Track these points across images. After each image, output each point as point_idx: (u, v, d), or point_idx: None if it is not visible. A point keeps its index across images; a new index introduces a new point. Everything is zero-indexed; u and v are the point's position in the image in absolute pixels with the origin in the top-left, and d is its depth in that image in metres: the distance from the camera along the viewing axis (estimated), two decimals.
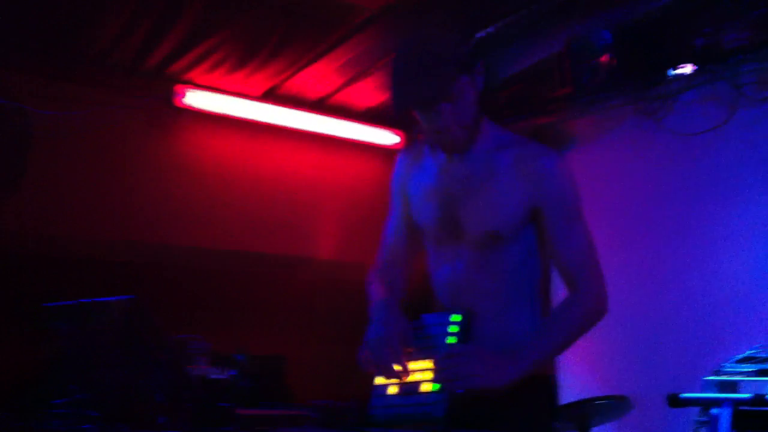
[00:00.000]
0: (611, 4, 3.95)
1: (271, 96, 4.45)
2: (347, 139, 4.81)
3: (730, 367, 3.33)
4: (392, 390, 1.92)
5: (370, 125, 4.90)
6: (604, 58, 3.92)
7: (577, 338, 1.97)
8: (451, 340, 1.87)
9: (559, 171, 1.95)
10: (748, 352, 3.37)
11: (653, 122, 4.27)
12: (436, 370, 1.83)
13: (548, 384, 2.05)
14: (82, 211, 3.94)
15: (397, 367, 1.88)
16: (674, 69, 3.81)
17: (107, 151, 4.07)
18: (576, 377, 4.53)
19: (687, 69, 3.80)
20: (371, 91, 4.67)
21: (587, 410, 3.19)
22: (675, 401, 3.17)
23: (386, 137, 5.00)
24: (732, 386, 3.28)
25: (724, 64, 3.94)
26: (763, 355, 3.24)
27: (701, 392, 3.30)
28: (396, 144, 5.06)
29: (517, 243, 1.98)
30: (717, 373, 3.36)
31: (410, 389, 1.88)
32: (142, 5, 3.60)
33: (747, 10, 3.78)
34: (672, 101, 4.21)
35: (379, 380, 1.95)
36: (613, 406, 3.27)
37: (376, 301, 2.03)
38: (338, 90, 4.57)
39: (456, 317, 1.88)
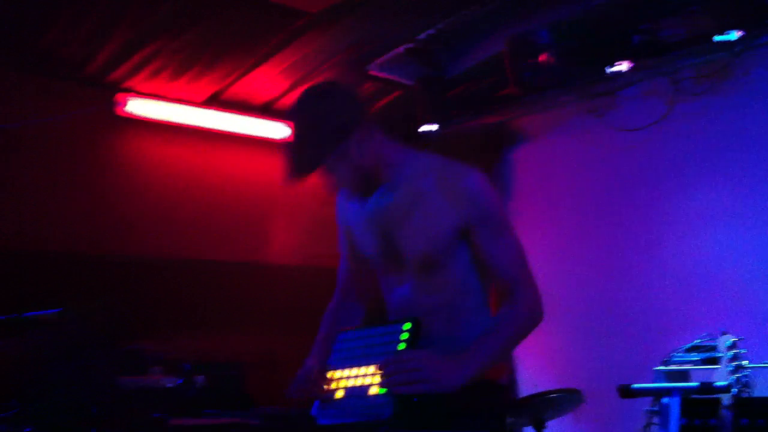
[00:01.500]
0: (551, 4, 3.99)
1: (216, 102, 4.40)
2: None
3: (679, 357, 3.39)
4: (339, 395, 1.93)
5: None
6: (543, 57, 3.97)
7: (517, 343, 2.04)
8: (401, 346, 1.89)
9: (481, 189, 2.02)
10: (695, 342, 3.44)
11: (597, 118, 4.34)
12: (383, 374, 1.84)
13: (501, 390, 2.10)
14: (27, 223, 3.84)
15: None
16: (612, 66, 3.87)
17: (50, 162, 3.97)
18: (531, 372, 4.57)
19: (623, 66, 3.86)
20: None
21: (540, 404, 3.22)
22: (626, 392, 3.22)
23: None
24: (682, 375, 3.34)
25: (661, 59, 4.02)
26: (710, 343, 3.30)
27: (652, 382, 3.36)
28: None
29: (455, 262, 2.05)
30: (666, 363, 3.42)
31: (357, 393, 1.89)
32: (79, 13, 3.52)
33: (683, 6, 3.85)
34: (613, 98, 4.29)
35: (326, 385, 1.97)
36: (565, 399, 3.30)
37: (314, 348, 2.16)
38: (285, 94, 4.53)
39: (407, 325, 1.92)
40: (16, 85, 3.83)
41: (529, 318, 2.02)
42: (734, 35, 3.65)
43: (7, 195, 3.80)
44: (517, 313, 2.00)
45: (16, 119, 3.79)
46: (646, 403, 3.33)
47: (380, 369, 1.85)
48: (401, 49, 4.32)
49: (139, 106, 4.13)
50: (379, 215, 2.10)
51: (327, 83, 2.13)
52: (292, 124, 2.05)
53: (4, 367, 1.94)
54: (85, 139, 4.07)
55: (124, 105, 4.08)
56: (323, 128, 1.99)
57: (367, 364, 1.91)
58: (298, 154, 2.03)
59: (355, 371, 1.94)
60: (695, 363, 3.28)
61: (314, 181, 2.11)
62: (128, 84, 4.08)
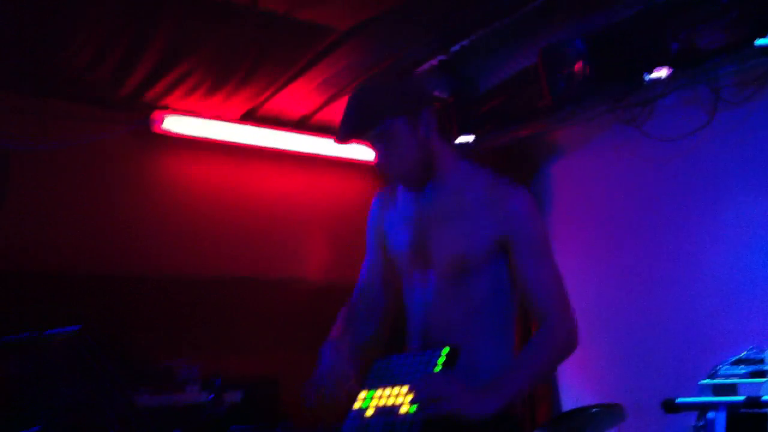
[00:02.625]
0: (584, 13, 3.95)
1: (251, 118, 4.44)
2: (331, 157, 4.78)
3: (725, 370, 3.30)
4: (369, 412, 1.93)
5: (353, 142, 4.87)
6: (578, 67, 3.92)
7: (549, 373, 2.03)
8: (437, 369, 1.90)
9: (527, 210, 2.00)
10: (742, 354, 3.35)
11: (634, 128, 4.26)
12: (415, 392, 1.84)
13: (514, 422, 2.04)
14: (66, 243, 3.90)
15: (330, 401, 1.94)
16: (649, 74, 3.81)
17: (88, 182, 4.05)
18: (572, 386, 4.49)
19: (662, 73, 3.80)
20: None
21: (581, 420, 3.14)
22: (671, 407, 3.14)
23: (370, 153, 4.98)
24: (728, 389, 3.25)
25: (700, 67, 3.94)
26: (757, 356, 3.22)
27: (698, 396, 3.27)
28: None
29: (486, 275, 2.02)
30: (712, 377, 3.33)
31: (388, 411, 1.89)
32: (112, 33, 3.58)
33: (721, 13, 3.78)
34: (651, 107, 4.22)
35: (357, 404, 1.97)
36: (607, 414, 3.21)
37: (328, 342, 2.10)
38: (319, 109, 4.56)
39: (445, 350, 1.91)
40: (53, 112, 3.91)
41: (565, 344, 1.98)
42: None
43: (44, 217, 3.86)
44: (551, 344, 1.96)
45: (55, 141, 3.86)
46: (691, 418, 3.24)
47: (411, 388, 1.85)
48: (435, 61, 4.31)
49: (175, 123, 4.18)
50: (420, 214, 2.08)
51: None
52: (354, 91, 2.05)
53: (19, 386, 1.96)
54: (122, 158, 4.14)
55: (161, 122, 4.13)
56: (382, 97, 1.99)
57: (402, 384, 1.91)
58: (347, 117, 2.02)
59: (389, 391, 1.94)
60: (742, 376, 3.19)
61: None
62: (163, 103, 4.14)
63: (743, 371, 3.16)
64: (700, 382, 3.29)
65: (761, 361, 3.07)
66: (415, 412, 1.82)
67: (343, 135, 2.04)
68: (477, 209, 1.99)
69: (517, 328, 2.14)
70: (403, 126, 2.00)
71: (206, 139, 4.32)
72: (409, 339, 2.14)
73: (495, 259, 2.00)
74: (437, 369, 1.89)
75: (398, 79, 2.07)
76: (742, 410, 3.00)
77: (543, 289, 1.98)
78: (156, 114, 4.13)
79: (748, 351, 3.21)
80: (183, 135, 4.24)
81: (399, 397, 1.89)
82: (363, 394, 1.99)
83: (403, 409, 1.85)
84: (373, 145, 2.05)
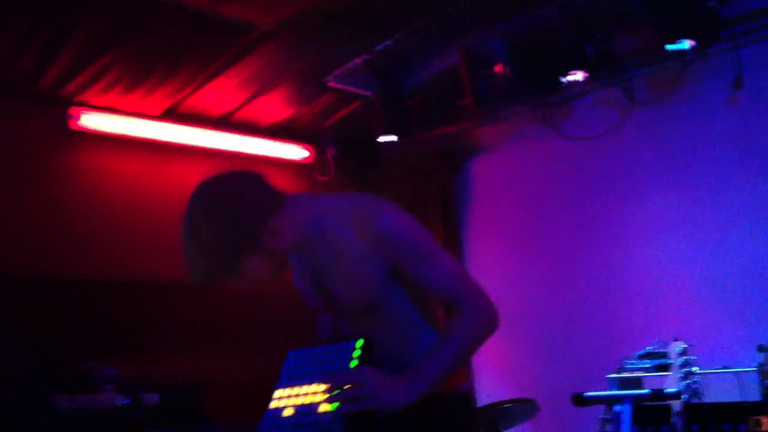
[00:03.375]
0: (505, 16, 4.03)
1: (172, 115, 4.37)
2: (255, 155, 4.76)
3: (632, 364, 3.41)
4: (287, 412, 1.91)
5: (278, 140, 4.86)
6: (498, 68, 4.00)
7: (470, 354, 2.03)
8: (353, 364, 1.88)
9: (397, 224, 1.96)
10: (647, 348, 3.46)
11: (551, 128, 4.38)
12: (334, 389, 1.83)
13: (461, 398, 2.09)
14: None
15: None
16: (566, 76, 3.91)
17: (2, 179, 3.92)
18: (486, 382, 4.59)
19: (578, 76, 3.91)
20: (276, 106, 4.64)
21: (496, 414, 3.23)
22: (579, 400, 3.22)
23: (295, 152, 4.97)
24: (634, 383, 3.37)
25: (615, 69, 4.07)
26: (662, 350, 3.33)
27: (606, 390, 3.37)
28: (305, 158, 5.04)
29: (393, 299, 2.02)
30: (619, 371, 3.44)
31: (307, 410, 1.87)
32: (32, 23, 3.49)
33: (635, 17, 3.91)
34: (568, 107, 4.34)
35: (273, 403, 1.94)
36: (521, 409, 3.32)
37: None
38: (241, 106, 4.52)
39: (359, 342, 1.90)
40: None
41: (482, 325, 1.98)
42: (686, 44, 3.71)
43: None
44: (467, 322, 1.97)
45: None
46: (600, 411, 3.35)
47: (330, 386, 1.84)
48: (359, 60, 4.33)
49: (93, 120, 4.10)
50: (311, 271, 2.08)
51: (225, 179, 2.01)
52: (185, 228, 1.97)
53: None
54: (38, 155, 4.02)
55: (78, 119, 4.04)
56: (218, 250, 1.92)
57: (318, 381, 1.89)
58: (193, 267, 1.97)
59: (305, 389, 1.91)
60: (647, 370, 3.30)
61: None
62: (81, 98, 4.05)
63: (649, 365, 3.28)
64: (607, 376, 3.41)
65: (665, 355, 3.18)
66: (336, 411, 1.81)
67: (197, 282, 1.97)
68: (355, 246, 1.96)
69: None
70: (251, 262, 1.95)
71: (125, 135, 4.24)
72: None
73: (394, 280, 2.00)
74: (353, 363, 1.87)
75: (222, 214, 1.93)
76: (647, 403, 3.12)
77: (446, 286, 1.98)
78: (73, 110, 4.04)
79: (653, 345, 3.32)
80: (100, 131, 4.15)
81: (317, 395, 1.87)
82: (278, 393, 1.96)
83: (323, 408, 1.84)
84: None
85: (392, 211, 1.98)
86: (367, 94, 4.65)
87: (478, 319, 1.98)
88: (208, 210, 1.94)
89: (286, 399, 1.94)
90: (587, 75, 3.94)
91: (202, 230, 1.94)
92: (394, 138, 4.56)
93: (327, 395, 1.84)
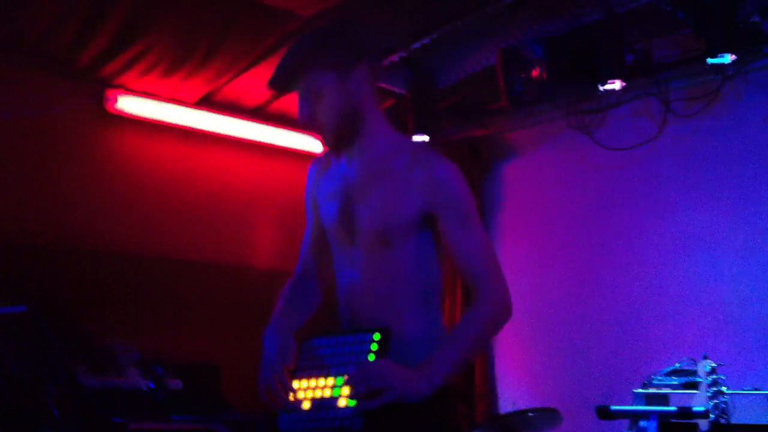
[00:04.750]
0: (544, 18, 4.00)
1: (208, 103, 4.37)
2: (289, 148, 4.74)
3: (659, 380, 3.39)
4: (306, 405, 1.90)
5: (311, 134, 4.84)
6: (535, 72, 3.97)
7: (486, 343, 2.05)
8: (371, 357, 1.87)
9: (452, 177, 1.97)
10: (676, 365, 3.44)
11: (586, 136, 4.34)
12: (352, 385, 1.83)
13: (447, 393, 2.03)
14: (12, 218, 3.80)
15: (280, 391, 1.91)
16: (604, 84, 3.88)
17: (34, 154, 3.93)
18: (510, 389, 4.57)
19: (616, 85, 3.87)
20: None
21: (518, 423, 3.21)
22: (605, 413, 3.20)
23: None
24: (660, 399, 3.34)
25: (653, 80, 4.03)
26: (690, 368, 3.30)
27: (631, 404, 3.35)
28: None
29: (410, 248, 1.99)
30: (646, 386, 3.42)
31: (326, 404, 1.87)
32: (68, 5, 3.48)
33: (676, 28, 3.87)
34: (603, 115, 4.29)
35: (291, 396, 1.93)
36: (544, 418, 3.29)
37: (270, 324, 2.06)
38: (276, 98, 4.51)
39: (376, 335, 1.89)
40: (7, 75, 3.79)
41: (498, 313, 1.96)
42: (727, 58, 3.67)
43: None
44: (485, 312, 1.95)
45: (5, 110, 3.75)
46: (623, 425, 3.33)
47: (349, 380, 1.83)
48: (395, 57, 4.31)
49: (129, 104, 4.10)
50: (347, 185, 2.04)
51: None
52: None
53: None
54: (72, 134, 4.04)
55: (115, 102, 4.05)
56: (312, 51, 1.93)
57: (336, 374, 1.88)
58: (297, 55, 1.95)
59: (322, 381, 1.90)
60: (674, 387, 3.28)
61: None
62: (119, 81, 4.05)
63: (676, 382, 3.26)
64: (634, 391, 3.38)
65: (694, 373, 3.16)
66: (355, 406, 1.80)
67: (271, 85, 1.99)
68: (403, 176, 1.95)
69: (448, 298, 2.11)
70: (331, 80, 1.94)
71: (159, 121, 4.25)
72: (340, 317, 2.10)
73: (420, 230, 1.98)
74: (371, 357, 1.86)
75: (338, 29, 1.98)
76: (674, 420, 3.09)
77: (474, 256, 1.96)
78: (110, 92, 4.04)
79: (681, 362, 3.30)
80: (136, 116, 4.16)
81: (336, 388, 1.86)
82: (296, 384, 1.94)
83: (342, 403, 1.83)
84: (300, 97, 1.99)
85: (452, 166, 1.99)
86: (401, 92, 4.64)
87: (495, 311, 1.97)
88: (346, 24, 2.01)
89: (303, 391, 1.93)
90: (624, 84, 3.90)
91: (334, 30, 1.98)
92: (425, 138, 4.54)
93: (346, 389, 1.84)
